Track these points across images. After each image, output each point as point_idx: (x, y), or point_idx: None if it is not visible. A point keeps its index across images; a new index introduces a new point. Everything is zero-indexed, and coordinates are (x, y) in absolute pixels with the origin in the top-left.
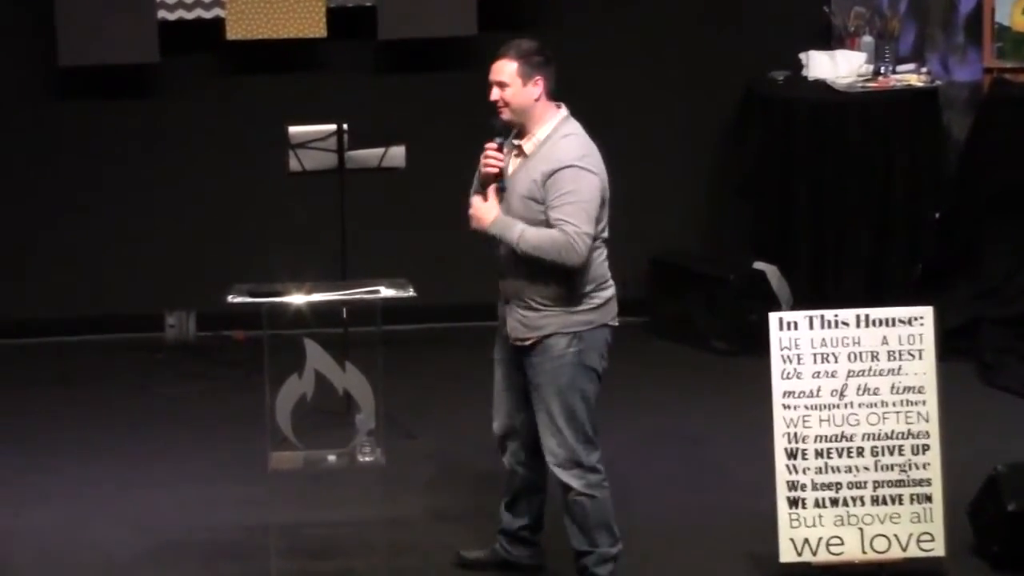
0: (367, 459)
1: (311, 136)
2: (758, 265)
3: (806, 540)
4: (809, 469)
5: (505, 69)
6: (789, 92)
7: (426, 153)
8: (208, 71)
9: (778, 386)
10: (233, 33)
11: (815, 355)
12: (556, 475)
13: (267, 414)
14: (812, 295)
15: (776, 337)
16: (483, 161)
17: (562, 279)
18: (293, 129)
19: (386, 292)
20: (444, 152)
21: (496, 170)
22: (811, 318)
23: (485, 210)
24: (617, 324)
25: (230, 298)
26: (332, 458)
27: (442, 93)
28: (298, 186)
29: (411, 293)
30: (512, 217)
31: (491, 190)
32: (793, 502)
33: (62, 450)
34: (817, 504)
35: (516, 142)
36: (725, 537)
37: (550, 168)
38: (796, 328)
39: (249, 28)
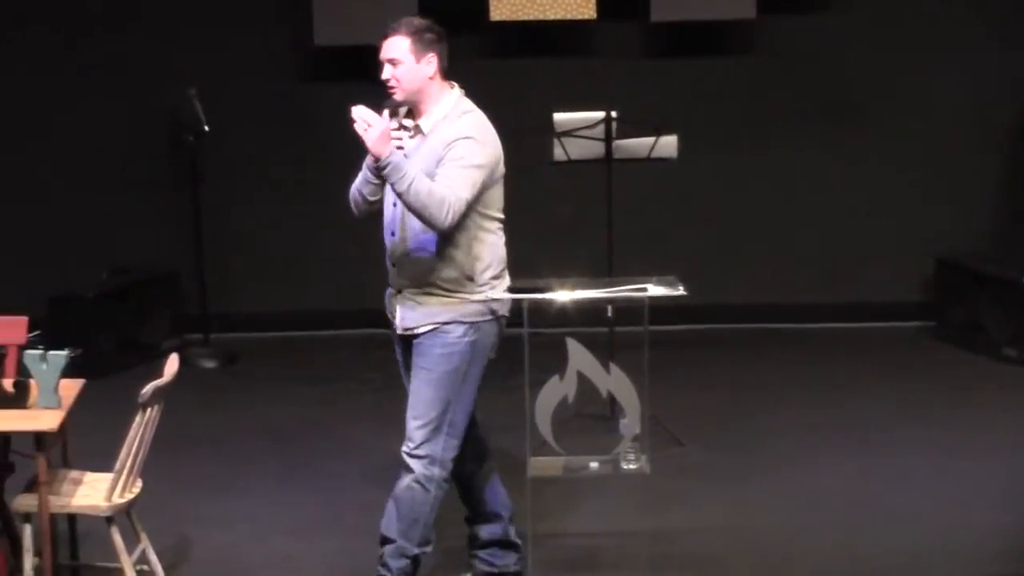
0: (631, 467)
1: (577, 123)
2: None
3: None
4: None
5: (397, 46)
6: None
7: (699, 143)
8: (469, 54)
9: None
10: (497, 14)
11: None
12: (403, 456)
13: (527, 417)
14: None
15: None
16: None
17: (464, 263)
18: (558, 116)
19: (654, 290)
20: (719, 142)
21: (402, 150)
22: None
23: (385, 137)
24: (507, 315)
25: (489, 294)
26: (594, 465)
27: (717, 79)
28: (562, 176)
29: (681, 292)
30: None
31: (386, 116)
32: None
33: (306, 449)
34: None
35: (411, 122)
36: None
37: (448, 140)
38: None
39: (514, 9)
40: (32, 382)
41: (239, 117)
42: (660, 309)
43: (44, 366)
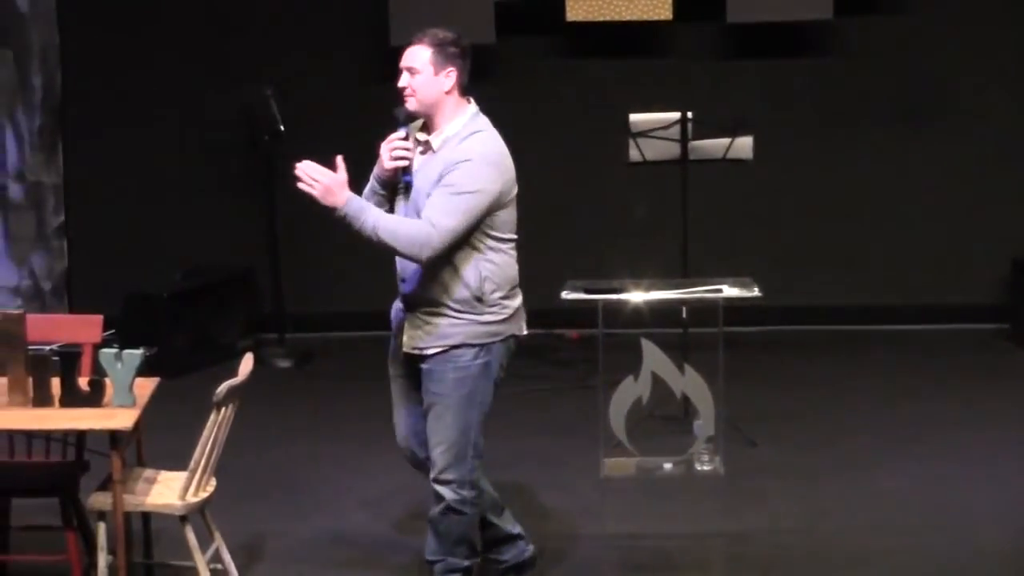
0: (705, 468)
1: (653, 124)
2: None
3: None
4: None
5: (418, 55)
6: None
7: (776, 144)
8: (545, 54)
9: None
10: (574, 14)
11: None
12: (432, 484)
13: (601, 417)
14: None
15: None
16: (390, 153)
17: (473, 283)
18: (634, 117)
19: (729, 291)
20: (794, 143)
21: (407, 162)
22: None
23: (338, 186)
24: (525, 334)
25: (564, 294)
26: (668, 466)
27: (794, 80)
28: (638, 177)
29: (756, 293)
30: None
31: (339, 163)
32: None
33: (380, 449)
34: None
35: (423, 136)
36: None
37: (448, 162)
38: None
39: (591, 9)
40: (107, 381)
41: (315, 117)
42: (733, 310)
43: (119, 365)
